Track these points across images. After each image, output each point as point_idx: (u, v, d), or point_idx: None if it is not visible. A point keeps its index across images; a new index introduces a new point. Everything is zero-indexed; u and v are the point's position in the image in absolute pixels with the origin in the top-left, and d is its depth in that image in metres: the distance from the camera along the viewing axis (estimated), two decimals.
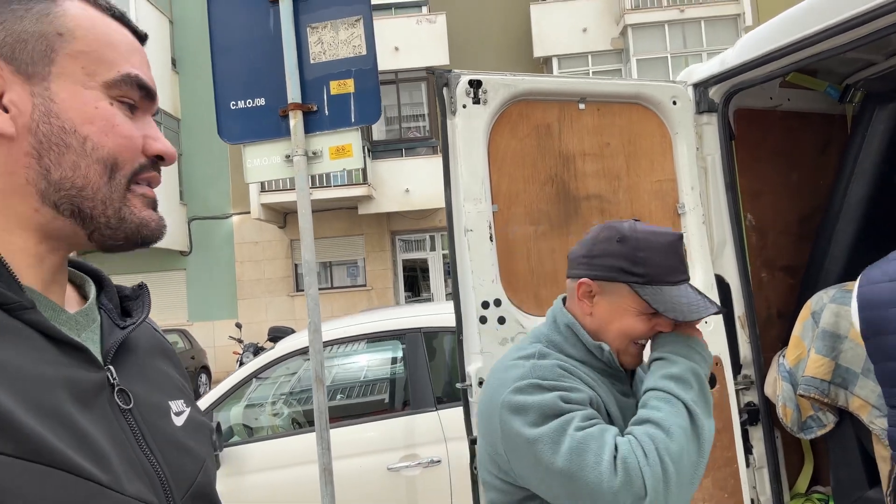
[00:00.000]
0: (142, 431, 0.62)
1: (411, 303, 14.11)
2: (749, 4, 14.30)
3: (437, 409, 3.27)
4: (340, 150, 2.83)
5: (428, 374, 3.35)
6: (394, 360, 3.75)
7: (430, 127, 14.44)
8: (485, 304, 1.96)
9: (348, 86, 2.79)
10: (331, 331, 3.51)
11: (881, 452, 1.98)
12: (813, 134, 2.78)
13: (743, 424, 2.29)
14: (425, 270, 15.38)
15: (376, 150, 14.20)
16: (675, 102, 2.31)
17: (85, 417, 0.55)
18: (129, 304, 0.72)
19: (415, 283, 15.59)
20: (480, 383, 1.93)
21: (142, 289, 0.74)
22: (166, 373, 0.74)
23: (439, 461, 3.13)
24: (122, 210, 0.63)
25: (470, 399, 1.97)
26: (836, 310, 2.11)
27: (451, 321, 2.65)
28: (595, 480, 1.08)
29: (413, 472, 3.13)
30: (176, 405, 0.70)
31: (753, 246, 2.54)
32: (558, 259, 2.10)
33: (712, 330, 2.22)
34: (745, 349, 2.37)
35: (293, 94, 2.78)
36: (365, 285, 14.75)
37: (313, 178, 10.66)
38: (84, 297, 0.70)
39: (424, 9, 14.95)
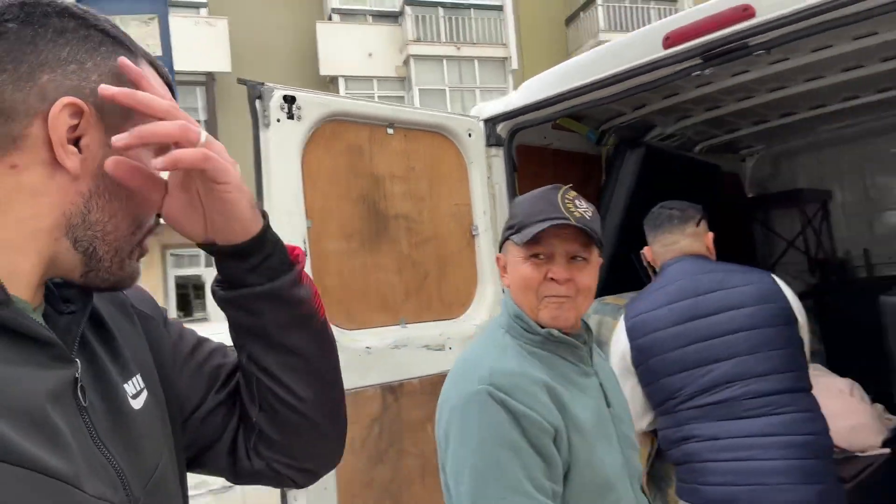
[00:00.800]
0: (97, 428, 0.62)
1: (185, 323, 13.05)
2: (515, 50, 16.00)
3: None
4: None
5: None
6: None
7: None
8: None
9: None
10: None
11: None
12: (576, 170, 3.26)
13: None
14: (199, 288, 14.38)
15: None
16: (470, 135, 2.56)
17: (55, 413, 0.56)
18: (63, 290, 0.69)
19: (187, 301, 14.48)
20: None
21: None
22: (123, 345, 0.72)
23: (231, 487, 3.00)
24: (125, 260, 0.67)
25: None
26: (598, 319, 2.50)
27: (228, 342, 2.57)
28: None
29: (203, 500, 2.95)
30: (132, 386, 0.69)
31: None
32: (370, 274, 2.19)
33: None
34: None
35: None
36: None
37: None
38: None
39: (203, 11, 14.18)
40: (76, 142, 0.62)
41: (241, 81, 2.05)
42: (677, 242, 2.18)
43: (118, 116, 0.64)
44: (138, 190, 0.66)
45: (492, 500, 1.09)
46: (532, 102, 2.55)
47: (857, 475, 2.37)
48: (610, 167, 2.96)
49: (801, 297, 2.18)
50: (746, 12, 1.95)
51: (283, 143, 2.04)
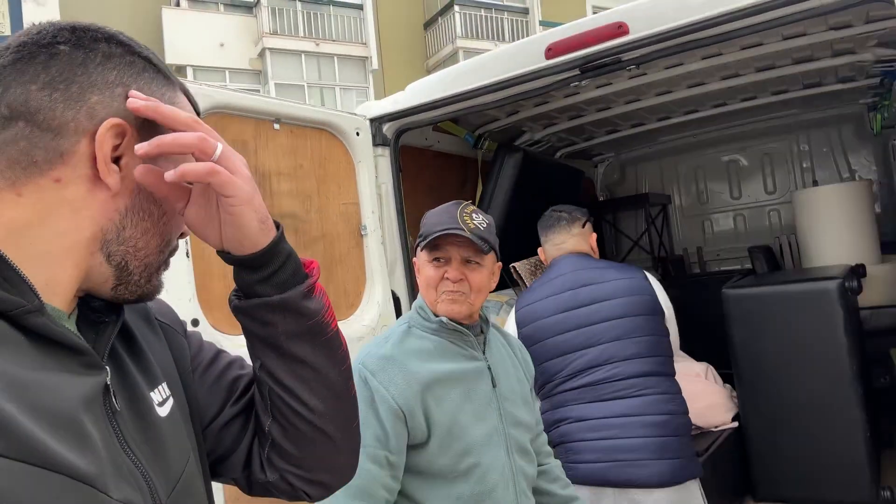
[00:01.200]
0: (124, 436, 0.63)
1: None
2: (375, 49, 15.99)
3: None
4: None
5: None
6: None
7: None
8: None
9: None
10: None
11: None
12: (455, 172, 3.35)
13: None
14: None
15: None
16: (358, 133, 2.54)
17: (87, 419, 0.57)
18: (96, 302, 0.70)
19: None
20: None
21: None
22: (150, 355, 0.75)
23: None
24: (153, 276, 0.71)
25: None
26: None
27: None
28: None
29: None
30: (158, 394, 0.72)
31: None
32: None
33: None
34: None
35: None
36: None
37: None
38: None
39: None
40: (116, 160, 0.65)
41: None
42: (565, 242, 2.34)
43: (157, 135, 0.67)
44: (164, 199, 0.69)
45: None
46: (419, 104, 2.58)
47: (708, 447, 2.68)
48: (491, 169, 3.08)
49: None
50: (621, 29, 2.13)
51: None
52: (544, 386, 2.23)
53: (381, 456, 1.37)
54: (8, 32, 2.57)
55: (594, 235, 2.40)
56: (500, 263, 1.63)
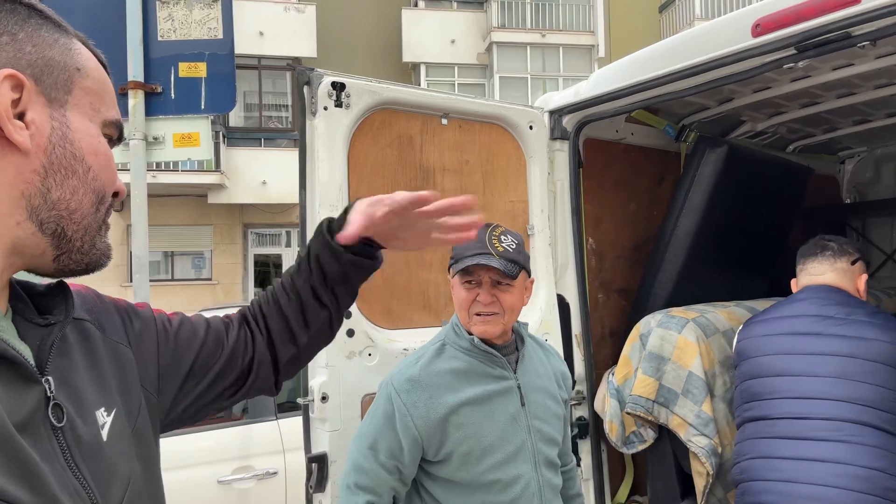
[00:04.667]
0: (71, 452, 0.60)
1: None
2: (603, 37, 15.44)
3: (276, 419, 3.12)
4: (186, 137, 2.61)
5: None
6: None
7: (292, 118, 13.96)
8: None
9: (200, 69, 2.59)
10: None
11: (697, 468, 2.17)
12: (651, 167, 3.02)
13: (574, 438, 2.41)
14: (279, 266, 14.83)
15: (232, 136, 13.47)
16: (531, 127, 2.39)
17: (24, 438, 0.53)
18: (42, 301, 0.68)
19: (266, 279, 14.97)
20: (324, 398, 1.85)
21: (61, 287, 0.71)
22: (97, 375, 0.71)
23: (276, 473, 3.00)
24: (96, 238, 0.67)
25: (311, 415, 1.88)
26: (661, 334, 2.29)
27: None
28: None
29: (246, 485, 2.96)
30: (101, 415, 0.68)
31: (592, 268, 2.70)
32: (413, 272, 2.08)
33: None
34: (579, 366, 2.50)
35: (135, 70, 2.53)
36: (210, 279, 13.91)
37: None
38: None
39: None
40: (21, 117, 0.60)
41: (289, 66, 1.99)
42: (824, 273, 2.02)
43: (59, 89, 0.64)
44: (95, 165, 0.66)
45: (352, 449, 1.57)
46: (604, 93, 2.35)
47: None
48: (688, 165, 2.71)
49: None
50: None
51: (330, 132, 1.95)
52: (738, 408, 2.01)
53: (393, 465, 1.51)
54: (221, 37, 2.94)
55: (864, 277, 2.03)
56: (532, 279, 1.67)
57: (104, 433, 0.67)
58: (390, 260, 2.08)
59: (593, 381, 2.52)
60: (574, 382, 2.49)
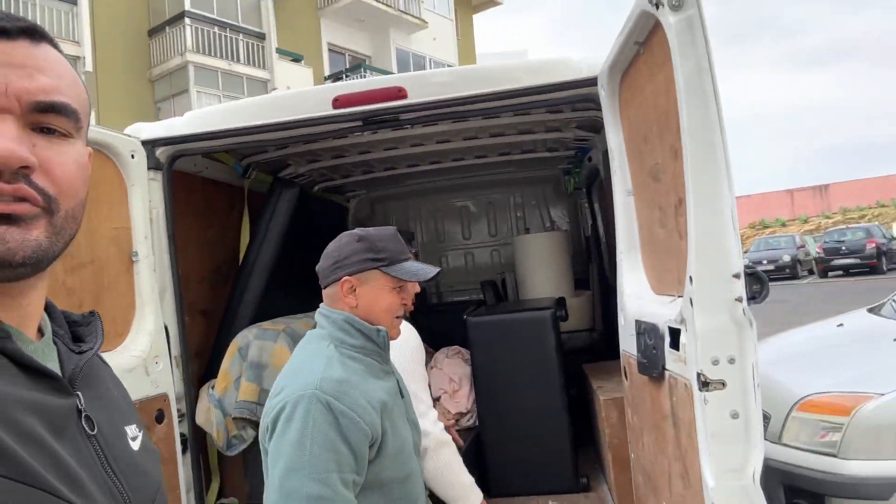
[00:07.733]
0: (105, 455, 0.64)
1: None
2: (90, 51, 14.30)
3: None
4: None
5: None
6: None
7: None
8: None
9: None
10: None
11: None
12: (222, 198, 3.34)
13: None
14: None
15: None
16: (133, 156, 2.43)
17: (58, 443, 0.57)
18: (78, 329, 0.73)
19: None
20: None
21: (93, 316, 0.76)
22: (119, 398, 0.76)
23: None
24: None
25: None
26: (260, 345, 2.65)
27: None
28: None
29: None
30: (131, 430, 0.73)
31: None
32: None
33: (161, 370, 2.41)
34: (178, 386, 2.63)
35: None
36: None
37: None
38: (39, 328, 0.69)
39: None
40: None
41: None
42: None
43: None
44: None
45: (296, 486, 1.31)
46: (200, 132, 2.58)
47: None
48: (268, 200, 3.15)
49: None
50: (400, 93, 2.46)
51: None
52: None
53: (350, 480, 1.37)
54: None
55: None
56: None
57: (135, 445, 0.72)
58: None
59: (192, 399, 2.68)
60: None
